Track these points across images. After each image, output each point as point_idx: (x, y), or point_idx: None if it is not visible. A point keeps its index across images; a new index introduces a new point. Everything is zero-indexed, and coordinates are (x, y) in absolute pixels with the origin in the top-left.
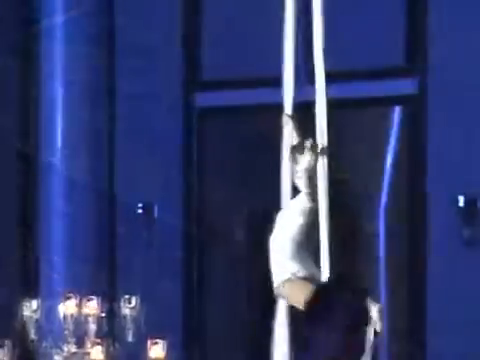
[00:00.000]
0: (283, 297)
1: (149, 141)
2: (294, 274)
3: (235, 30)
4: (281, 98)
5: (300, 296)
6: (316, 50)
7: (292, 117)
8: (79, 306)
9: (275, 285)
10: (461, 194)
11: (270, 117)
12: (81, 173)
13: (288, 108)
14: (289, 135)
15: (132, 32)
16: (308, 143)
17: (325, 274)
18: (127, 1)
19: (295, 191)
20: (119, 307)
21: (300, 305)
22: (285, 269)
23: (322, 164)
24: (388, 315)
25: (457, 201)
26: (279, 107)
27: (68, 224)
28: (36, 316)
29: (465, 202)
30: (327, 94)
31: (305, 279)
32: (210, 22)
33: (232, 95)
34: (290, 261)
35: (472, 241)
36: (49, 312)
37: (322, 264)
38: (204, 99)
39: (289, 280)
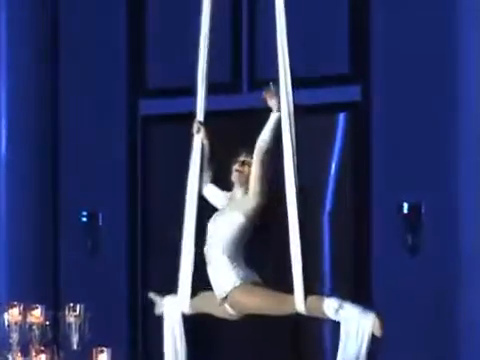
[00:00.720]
0: (232, 306)
1: (93, 149)
2: (244, 280)
3: (179, 38)
4: (225, 104)
5: (256, 301)
6: (281, 55)
7: (203, 124)
8: (23, 314)
9: (220, 295)
10: (405, 201)
11: (215, 123)
12: (25, 181)
13: (200, 115)
14: (199, 142)
15: (76, 38)
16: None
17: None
18: (72, 6)
19: None
20: (64, 315)
21: (257, 311)
22: (231, 275)
23: (290, 167)
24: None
25: (401, 208)
26: (224, 113)
27: (11, 232)
28: None
29: (409, 209)
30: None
31: (255, 284)
32: (155, 29)
33: (176, 102)
34: (235, 266)
35: (416, 248)
36: None
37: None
38: (148, 106)
39: (240, 287)
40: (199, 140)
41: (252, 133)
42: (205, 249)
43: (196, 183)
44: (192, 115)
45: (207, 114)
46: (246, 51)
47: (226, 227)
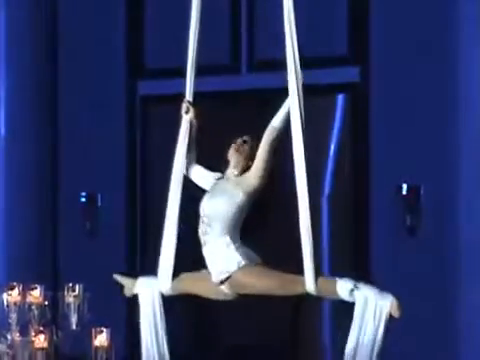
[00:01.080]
0: (233, 286)
1: (92, 130)
2: (249, 260)
3: (177, 18)
4: (224, 85)
5: (264, 282)
6: (288, 34)
7: (193, 104)
8: (22, 295)
9: (220, 276)
10: (404, 182)
11: (212, 104)
12: (24, 162)
13: (189, 95)
14: (188, 122)
15: (75, 21)
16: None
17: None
18: None
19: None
20: (62, 295)
21: (265, 291)
22: (234, 256)
23: (299, 148)
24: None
25: (400, 189)
26: (222, 94)
27: (10, 214)
28: None
29: (408, 190)
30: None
31: (259, 264)
32: (153, 10)
33: (174, 83)
34: (238, 247)
35: (415, 229)
36: None
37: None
38: (146, 87)
39: (244, 267)
40: (188, 120)
41: (251, 114)
42: (200, 230)
43: (182, 163)
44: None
45: (206, 95)
46: (245, 32)
47: (226, 206)
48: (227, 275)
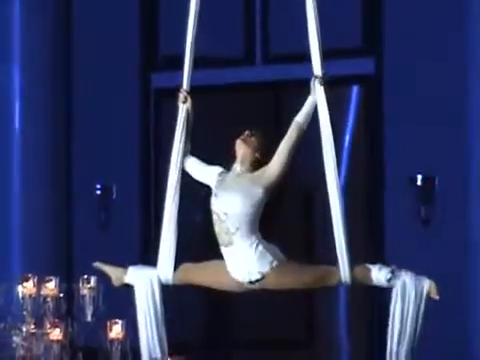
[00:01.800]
0: (267, 285)
1: (107, 122)
2: (279, 259)
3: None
4: (237, 78)
5: (300, 278)
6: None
7: (190, 94)
8: (37, 287)
9: (253, 276)
10: (419, 173)
11: (225, 96)
12: (39, 155)
13: (186, 85)
14: (185, 112)
15: (89, 13)
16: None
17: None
18: None
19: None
20: (77, 287)
21: (301, 286)
22: (266, 256)
23: (328, 137)
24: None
25: (415, 180)
26: (236, 86)
27: (25, 205)
28: None
29: (423, 181)
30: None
31: (290, 262)
32: (167, 2)
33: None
34: (265, 246)
35: (429, 219)
36: (7, 293)
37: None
38: (160, 80)
39: (278, 267)
40: (185, 110)
41: (265, 106)
42: (218, 228)
43: (180, 153)
44: (203, 88)
45: (220, 87)
46: (259, 25)
47: (248, 204)
48: (259, 276)
